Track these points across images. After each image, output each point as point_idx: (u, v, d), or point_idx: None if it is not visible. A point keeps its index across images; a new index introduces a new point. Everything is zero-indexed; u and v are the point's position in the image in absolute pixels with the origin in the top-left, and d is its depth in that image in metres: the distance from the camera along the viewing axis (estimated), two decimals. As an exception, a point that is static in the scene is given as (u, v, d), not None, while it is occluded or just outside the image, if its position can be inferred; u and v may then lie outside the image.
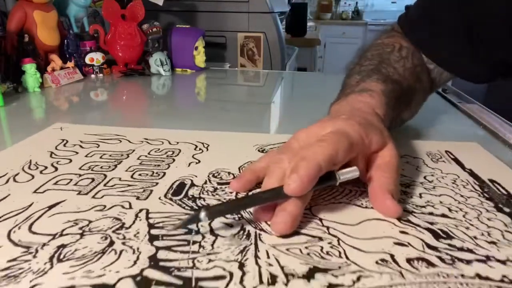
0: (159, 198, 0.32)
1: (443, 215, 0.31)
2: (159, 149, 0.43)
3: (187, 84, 0.86)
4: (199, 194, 0.33)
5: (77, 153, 0.41)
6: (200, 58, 0.92)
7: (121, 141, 0.45)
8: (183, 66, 0.93)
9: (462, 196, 0.34)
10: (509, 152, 0.46)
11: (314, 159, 0.28)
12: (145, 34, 0.90)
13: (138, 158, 0.40)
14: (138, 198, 0.32)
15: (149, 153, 0.42)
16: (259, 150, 0.43)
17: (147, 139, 0.46)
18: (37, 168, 0.37)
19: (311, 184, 0.28)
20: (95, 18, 1.00)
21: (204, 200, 0.32)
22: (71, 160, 0.39)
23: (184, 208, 0.31)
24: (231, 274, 0.23)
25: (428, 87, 0.51)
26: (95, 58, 0.84)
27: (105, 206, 0.31)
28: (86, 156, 0.41)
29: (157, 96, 0.79)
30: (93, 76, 0.85)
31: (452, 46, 0.48)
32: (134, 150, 0.42)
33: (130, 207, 0.31)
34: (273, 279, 0.23)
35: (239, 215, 0.30)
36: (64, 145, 0.43)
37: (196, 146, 0.44)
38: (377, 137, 0.33)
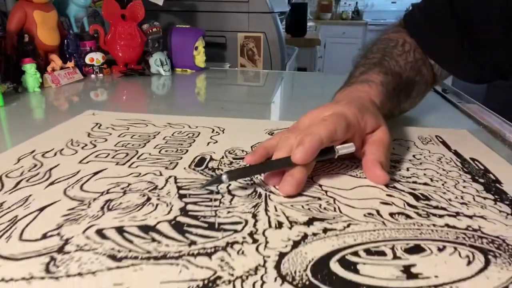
0: (184, 168, 0.38)
1: (425, 184, 0.36)
2: (181, 131, 0.49)
3: (187, 84, 0.87)
4: (217, 166, 0.39)
5: (110, 134, 0.48)
6: (200, 58, 0.92)
7: (147, 125, 0.51)
8: (183, 66, 0.93)
9: (444, 170, 0.39)
10: (509, 151, 0.46)
11: (316, 134, 0.34)
12: (145, 34, 0.90)
13: (163, 138, 0.46)
14: (166, 168, 0.38)
15: (172, 135, 0.48)
16: (268, 133, 0.49)
17: (170, 123, 0.52)
18: (79, 145, 0.44)
19: (314, 155, 0.34)
20: (95, 18, 1.01)
21: (222, 171, 0.38)
22: (106, 139, 0.46)
23: (205, 176, 0.37)
24: (246, 221, 0.29)
25: (430, 80, 0.55)
26: (95, 58, 0.84)
27: (140, 173, 0.37)
28: (118, 136, 0.47)
29: (157, 96, 0.79)
30: (93, 76, 0.85)
31: (453, 49, 0.51)
32: (159, 132, 0.48)
33: (161, 174, 0.37)
34: (279, 224, 0.29)
35: (251, 181, 0.35)
36: (99, 128, 0.50)
37: (213, 130, 0.50)
38: (371, 120, 0.38)
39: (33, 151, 0.41)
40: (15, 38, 0.69)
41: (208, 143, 0.45)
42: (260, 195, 0.33)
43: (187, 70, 0.94)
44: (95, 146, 0.43)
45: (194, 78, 0.90)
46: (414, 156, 0.43)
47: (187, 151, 0.43)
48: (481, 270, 0.24)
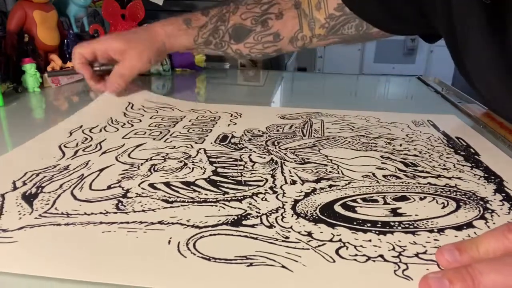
0: (211, 143, 0.45)
1: (414, 155, 0.43)
2: (203, 115, 0.56)
3: (187, 84, 0.86)
4: (239, 141, 0.46)
5: (143, 115, 0.55)
6: (200, 58, 0.92)
7: (173, 110, 0.58)
8: (183, 66, 0.92)
9: (431, 146, 0.46)
10: (508, 151, 0.46)
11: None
12: (145, 34, 0.92)
13: (189, 121, 0.53)
14: (196, 142, 0.45)
15: (196, 118, 0.55)
16: (280, 117, 0.56)
17: (193, 109, 0.59)
18: (118, 123, 0.51)
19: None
20: (95, 18, 1.01)
21: (243, 145, 0.45)
22: (141, 120, 0.53)
23: (228, 148, 0.44)
24: (266, 179, 0.36)
25: (290, 34, 0.61)
26: None
27: (174, 146, 0.44)
28: (150, 118, 0.54)
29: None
30: None
31: (373, 3, 0.55)
32: (185, 116, 0.56)
33: (192, 147, 0.44)
34: (293, 182, 0.36)
35: (268, 152, 0.42)
36: (132, 108, 0.57)
37: (232, 114, 0.57)
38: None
39: (81, 126, 0.49)
40: (15, 38, 0.70)
41: (229, 125, 0.52)
42: (276, 162, 0.40)
43: (187, 70, 0.93)
44: (132, 125, 0.51)
45: (194, 78, 0.90)
46: (407, 135, 0.50)
47: (211, 130, 0.50)
48: (452, 212, 0.31)
